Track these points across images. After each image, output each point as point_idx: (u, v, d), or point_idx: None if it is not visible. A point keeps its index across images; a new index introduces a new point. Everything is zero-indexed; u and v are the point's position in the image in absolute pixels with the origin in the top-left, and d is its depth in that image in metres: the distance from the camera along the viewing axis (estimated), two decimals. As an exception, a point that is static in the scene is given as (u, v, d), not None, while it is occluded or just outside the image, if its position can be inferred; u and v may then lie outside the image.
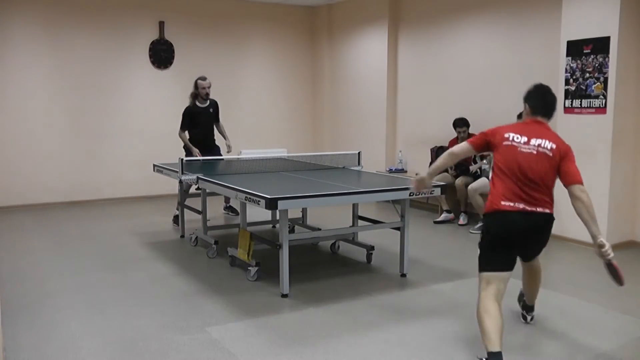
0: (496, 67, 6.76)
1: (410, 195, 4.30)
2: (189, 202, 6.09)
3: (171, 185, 7.94)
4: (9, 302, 3.94)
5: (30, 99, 7.67)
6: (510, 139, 3.11)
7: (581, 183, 3.00)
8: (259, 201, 3.80)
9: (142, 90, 8.36)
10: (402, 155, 8.17)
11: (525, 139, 3.09)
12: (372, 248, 5.00)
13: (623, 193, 5.55)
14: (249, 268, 4.51)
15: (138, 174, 8.25)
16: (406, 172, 7.97)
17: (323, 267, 4.95)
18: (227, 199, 7.15)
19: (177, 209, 6.66)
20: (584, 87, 5.52)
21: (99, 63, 8.02)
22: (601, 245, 3.00)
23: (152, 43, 8.34)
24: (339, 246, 5.45)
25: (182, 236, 5.98)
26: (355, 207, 5.24)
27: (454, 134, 6.85)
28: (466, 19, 7.13)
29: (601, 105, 5.38)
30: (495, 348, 2.78)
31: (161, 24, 8.38)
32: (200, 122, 6.52)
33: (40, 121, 7.75)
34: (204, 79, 6.45)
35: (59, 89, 7.83)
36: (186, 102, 6.69)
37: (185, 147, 6.52)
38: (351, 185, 4.46)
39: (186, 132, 6.50)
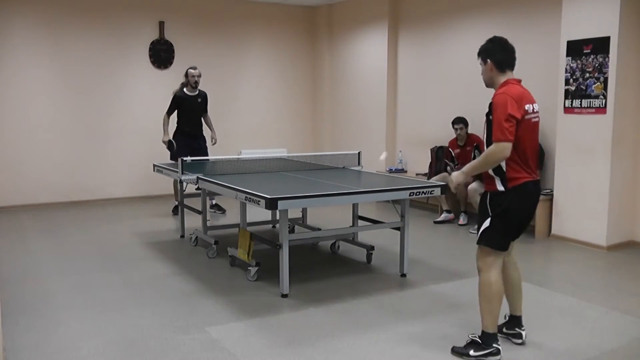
0: (496, 67, 6.75)
1: (410, 195, 4.30)
2: (189, 202, 6.09)
3: (171, 185, 7.93)
4: (9, 302, 3.94)
5: (30, 99, 7.66)
6: (530, 110, 3.03)
7: None
8: (259, 201, 3.80)
9: (142, 90, 8.35)
10: (402, 155, 8.17)
11: (531, 106, 3.05)
12: (372, 248, 5.00)
13: (623, 193, 5.55)
14: (249, 268, 4.51)
15: (138, 174, 8.25)
16: (406, 172, 7.97)
17: (323, 267, 4.96)
18: (211, 197, 7.24)
19: (177, 200, 6.83)
20: (584, 87, 5.52)
21: (99, 63, 8.02)
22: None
23: (152, 43, 8.34)
24: (339, 246, 5.45)
25: (182, 236, 5.98)
26: (355, 207, 5.24)
27: (453, 134, 6.85)
28: (466, 19, 7.13)
29: (601, 105, 5.38)
30: (494, 330, 3.09)
31: (161, 24, 8.37)
32: (187, 109, 6.87)
33: (40, 121, 7.75)
34: (194, 68, 6.86)
35: (59, 89, 7.83)
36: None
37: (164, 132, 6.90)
38: (351, 185, 4.46)
39: (169, 118, 6.89)
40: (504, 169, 3.02)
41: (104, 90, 8.10)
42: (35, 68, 7.66)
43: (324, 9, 9.39)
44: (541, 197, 5.87)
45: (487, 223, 3.08)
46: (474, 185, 6.23)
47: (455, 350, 3.17)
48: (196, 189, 5.35)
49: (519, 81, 3.13)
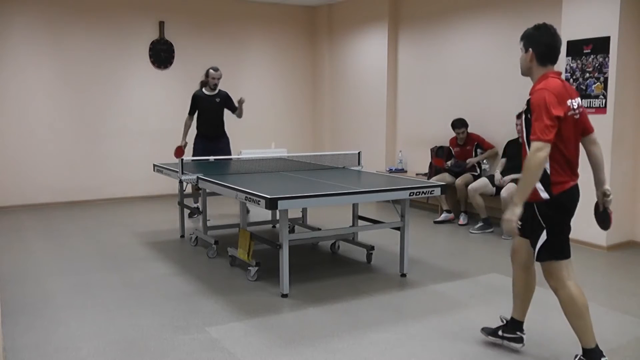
0: (496, 67, 6.76)
1: (410, 195, 4.30)
2: (189, 202, 6.08)
3: (171, 185, 7.93)
4: (9, 302, 3.94)
5: (30, 99, 7.67)
6: (572, 107, 2.76)
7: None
8: (259, 201, 3.80)
9: (142, 90, 8.36)
10: (402, 155, 8.17)
11: (573, 102, 2.78)
12: (372, 248, 5.00)
13: (623, 193, 5.55)
14: (249, 268, 4.51)
15: (138, 174, 8.25)
16: (406, 172, 7.97)
17: (323, 267, 4.95)
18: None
19: (195, 203, 6.70)
20: (584, 87, 5.52)
21: (98, 63, 8.02)
22: (606, 193, 3.11)
23: (152, 43, 8.34)
24: (339, 246, 5.45)
25: (182, 236, 5.98)
26: (355, 207, 5.24)
27: (453, 134, 6.85)
28: (466, 19, 7.13)
29: (601, 105, 5.38)
30: (595, 343, 2.86)
31: (161, 24, 8.37)
32: (204, 109, 6.67)
33: (40, 121, 7.75)
34: (215, 69, 6.63)
35: (59, 88, 7.83)
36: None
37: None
38: (351, 185, 4.46)
39: (191, 119, 6.75)
40: (548, 172, 2.75)
41: (104, 90, 8.11)
42: (35, 68, 7.66)
43: (324, 9, 9.39)
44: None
45: (544, 236, 2.83)
46: (474, 185, 6.23)
47: None
48: (196, 189, 5.35)
49: (559, 74, 2.87)
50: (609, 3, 5.26)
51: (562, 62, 5.68)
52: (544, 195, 2.79)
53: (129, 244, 5.72)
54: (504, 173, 6.16)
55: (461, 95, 7.24)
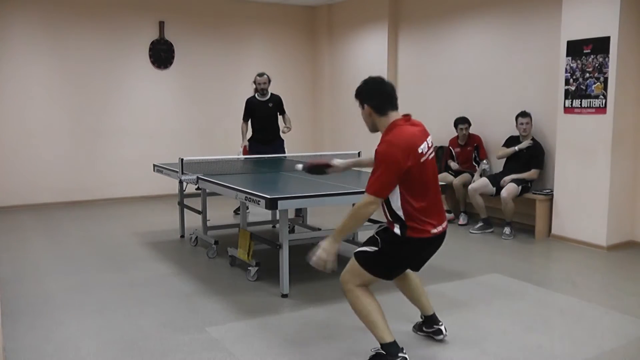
0: (496, 67, 6.76)
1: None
2: (189, 202, 6.09)
3: (171, 185, 7.93)
4: (9, 302, 3.94)
5: (30, 99, 7.67)
6: (424, 151, 2.76)
7: None
8: (259, 201, 3.80)
9: (142, 90, 8.36)
10: (402, 155, 8.14)
11: (425, 145, 2.80)
12: (372, 248, 4.99)
13: (623, 193, 5.55)
14: (249, 268, 4.51)
15: (138, 174, 8.25)
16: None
17: (323, 267, 4.95)
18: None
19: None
20: (584, 87, 5.52)
21: (98, 63, 8.02)
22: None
23: (152, 43, 8.34)
24: (339, 246, 5.44)
25: (182, 236, 5.98)
26: (355, 207, 5.23)
27: (454, 134, 6.85)
28: (466, 18, 7.13)
29: (601, 105, 5.38)
30: (391, 338, 2.85)
31: (161, 24, 8.37)
32: (258, 114, 6.75)
33: (40, 121, 7.75)
34: (261, 75, 6.71)
35: (58, 89, 7.83)
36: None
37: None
38: (351, 185, 4.46)
39: (246, 125, 6.82)
40: (402, 217, 2.74)
41: (104, 90, 8.11)
42: (34, 68, 7.66)
43: (324, 9, 9.39)
44: (541, 197, 5.94)
45: (371, 249, 2.86)
46: (474, 185, 6.23)
47: None
48: (196, 189, 5.35)
49: (408, 118, 2.87)
50: (609, 3, 5.25)
51: (562, 62, 5.69)
52: (397, 231, 2.79)
53: (129, 244, 5.72)
54: (503, 173, 6.17)
55: (461, 95, 7.24)
